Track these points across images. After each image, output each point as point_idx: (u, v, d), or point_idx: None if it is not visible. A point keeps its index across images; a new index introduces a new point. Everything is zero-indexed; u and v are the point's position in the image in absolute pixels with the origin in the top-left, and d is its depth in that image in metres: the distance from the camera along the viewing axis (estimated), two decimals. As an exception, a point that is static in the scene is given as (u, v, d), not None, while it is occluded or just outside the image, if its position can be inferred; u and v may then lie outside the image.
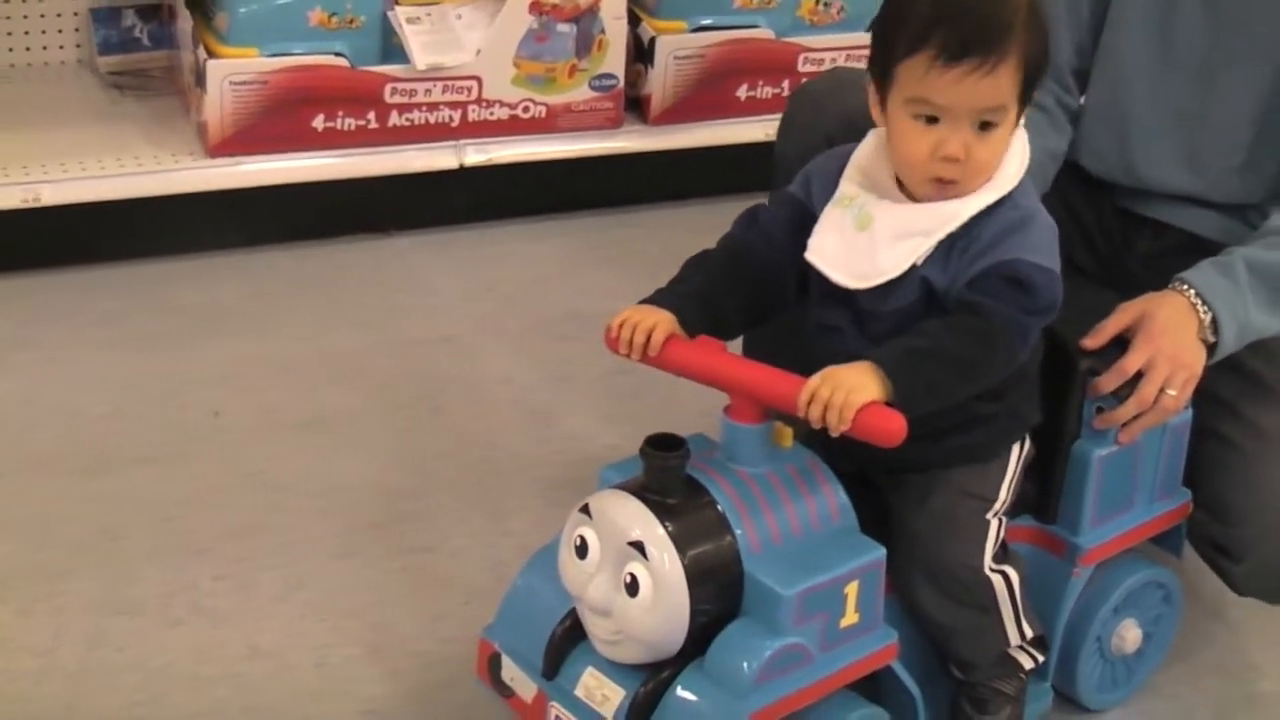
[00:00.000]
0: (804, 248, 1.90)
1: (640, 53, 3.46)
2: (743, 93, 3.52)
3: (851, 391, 1.73)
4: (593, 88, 3.40)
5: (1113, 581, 2.19)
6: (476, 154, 3.34)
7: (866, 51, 1.91)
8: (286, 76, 3.17)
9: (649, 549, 1.78)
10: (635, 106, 3.50)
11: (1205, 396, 2.20)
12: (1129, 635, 2.22)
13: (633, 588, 1.78)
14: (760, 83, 3.51)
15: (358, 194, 3.32)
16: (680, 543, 1.79)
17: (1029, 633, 2.05)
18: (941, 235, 1.84)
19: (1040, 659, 2.10)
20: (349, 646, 2.29)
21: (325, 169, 3.25)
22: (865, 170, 1.91)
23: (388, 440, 2.75)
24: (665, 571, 1.78)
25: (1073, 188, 2.36)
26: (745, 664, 1.79)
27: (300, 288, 3.21)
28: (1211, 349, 2.13)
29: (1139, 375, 2.08)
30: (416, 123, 3.29)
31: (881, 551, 1.89)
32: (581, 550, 1.83)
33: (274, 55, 3.17)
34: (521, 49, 3.32)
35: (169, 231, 3.26)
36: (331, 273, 3.27)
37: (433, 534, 2.53)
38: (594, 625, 1.85)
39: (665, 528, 1.79)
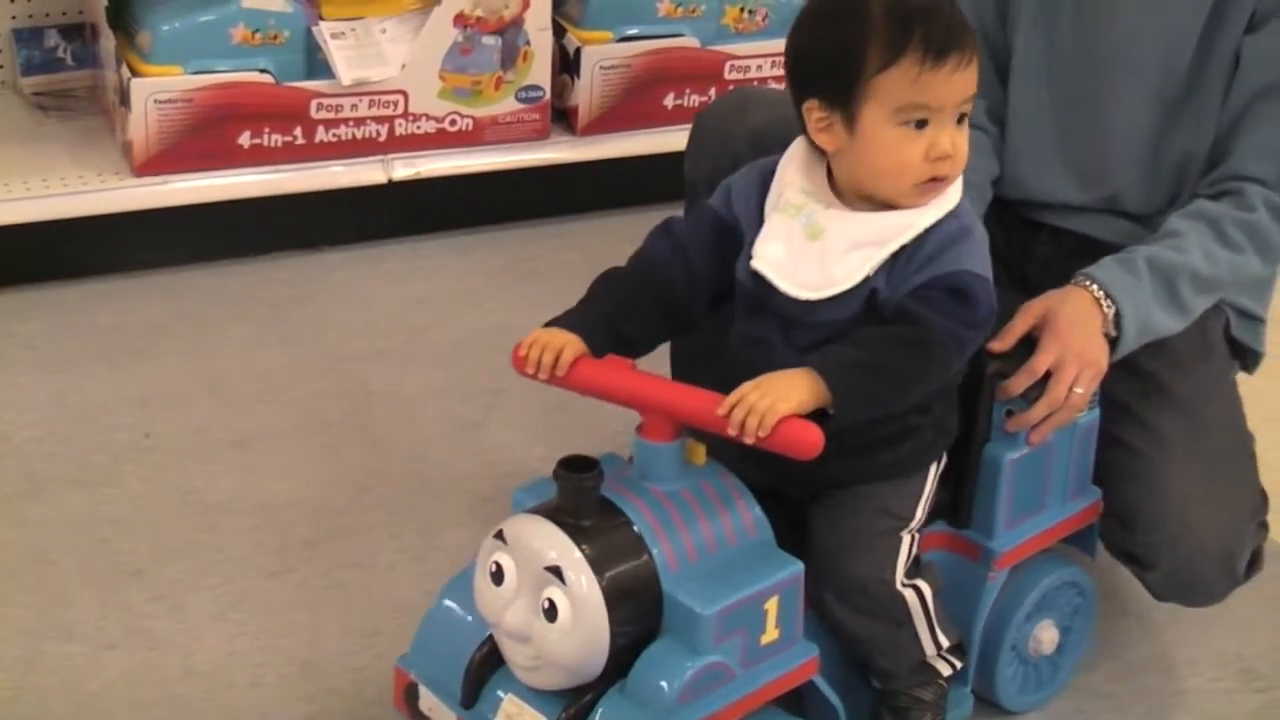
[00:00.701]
0: (721, 260, 1.91)
1: (566, 63, 3.47)
2: (670, 101, 3.52)
3: (778, 400, 1.72)
4: (519, 100, 3.40)
5: (1028, 584, 2.20)
6: (404, 168, 3.34)
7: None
8: (211, 94, 3.16)
9: (566, 573, 1.77)
10: (562, 117, 3.50)
11: (1108, 401, 2.22)
12: (1045, 636, 2.24)
13: (551, 613, 1.77)
14: (688, 91, 3.52)
15: (286, 210, 3.31)
16: (597, 565, 1.78)
17: (945, 642, 2.07)
18: (895, 246, 1.84)
19: (958, 665, 2.12)
20: (284, 665, 2.29)
21: (252, 186, 3.24)
22: (804, 181, 1.90)
23: (319, 457, 2.75)
24: (583, 595, 1.77)
25: None
26: (666, 684, 1.79)
27: (229, 306, 3.20)
28: (1114, 344, 2.14)
29: (1047, 375, 2.10)
30: (343, 138, 3.28)
31: (799, 566, 1.89)
32: (497, 577, 1.82)
33: (198, 73, 3.15)
34: (446, 62, 3.32)
35: (96, 252, 3.24)
36: (260, 290, 3.26)
37: (365, 550, 2.53)
38: (513, 652, 1.84)
39: (581, 550, 1.78)
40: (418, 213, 3.44)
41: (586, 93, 3.45)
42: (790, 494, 1.97)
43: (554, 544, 1.79)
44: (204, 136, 3.17)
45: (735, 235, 1.92)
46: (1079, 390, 2.11)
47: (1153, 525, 2.22)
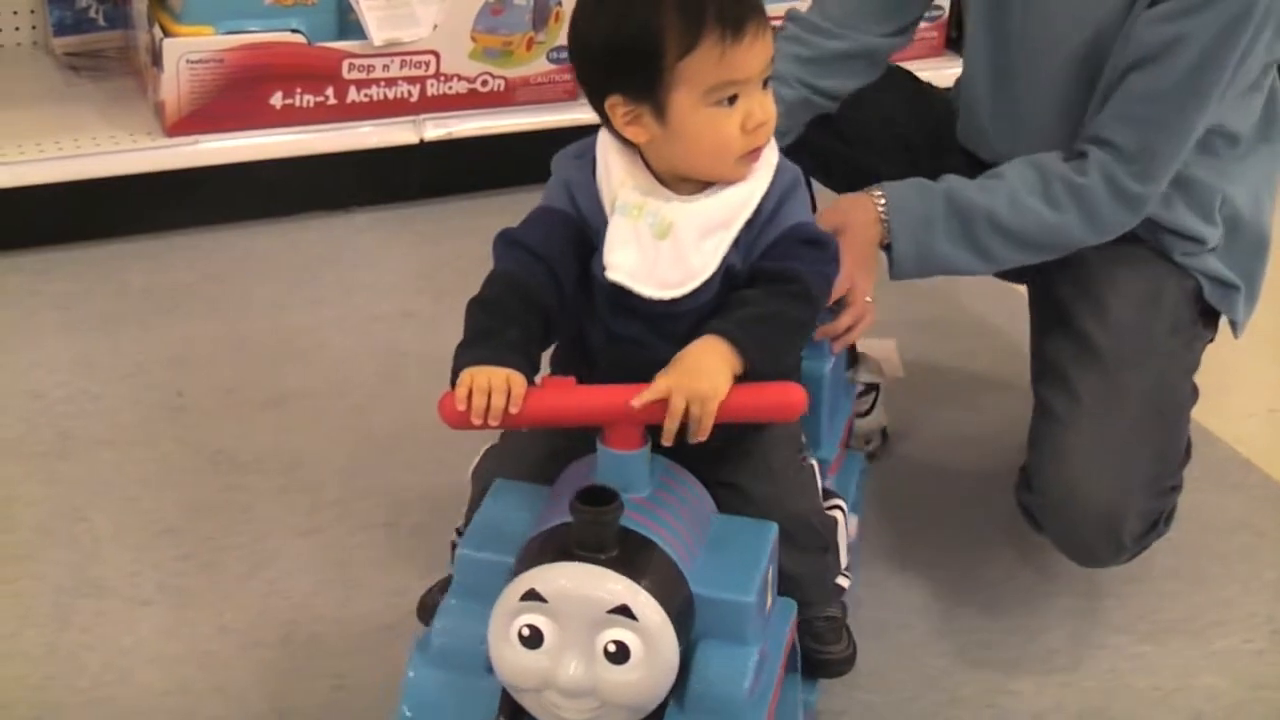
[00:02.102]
0: (578, 260, 1.83)
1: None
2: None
3: (705, 401, 1.71)
4: (550, 60, 3.39)
5: (846, 483, 2.33)
6: (436, 129, 3.34)
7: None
8: (243, 54, 3.16)
9: (637, 610, 1.66)
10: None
11: (1044, 363, 2.25)
12: (853, 527, 2.30)
13: (620, 655, 1.66)
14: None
15: (316, 171, 3.31)
16: (658, 593, 1.68)
17: (845, 558, 2.13)
18: (742, 224, 1.82)
19: (849, 577, 2.17)
20: (314, 624, 2.30)
21: (284, 146, 3.25)
22: (633, 179, 1.82)
23: (349, 417, 2.75)
24: (657, 627, 1.67)
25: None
26: (735, 684, 1.74)
27: (259, 266, 3.21)
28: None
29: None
30: (375, 98, 3.28)
31: (774, 526, 1.86)
32: (533, 640, 1.67)
33: (230, 33, 3.16)
34: (478, 23, 3.31)
35: (127, 212, 3.25)
36: (290, 251, 3.26)
37: (394, 510, 2.53)
38: (565, 709, 1.71)
39: (641, 584, 1.67)
40: (448, 174, 3.44)
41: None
42: (690, 454, 1.84)
43: (613, 585, 1.67)
44: (236, 97, 3.17)
45: (587, 234, 1.84)
46: (867, 299, 2.18)
47: (1045, 488, 2.24)
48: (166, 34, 3.13)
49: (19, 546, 2.42)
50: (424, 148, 3.34)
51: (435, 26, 3.27)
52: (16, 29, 3.52)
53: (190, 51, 3.13)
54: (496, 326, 1.76)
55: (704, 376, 1.72)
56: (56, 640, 2.26)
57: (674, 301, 1.80)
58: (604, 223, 1.81)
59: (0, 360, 2.87)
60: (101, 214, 3.22)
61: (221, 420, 2.72)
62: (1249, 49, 2.16)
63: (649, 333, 1.83)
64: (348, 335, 3.00)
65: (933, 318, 3.05)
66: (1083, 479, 2.20)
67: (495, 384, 1.70)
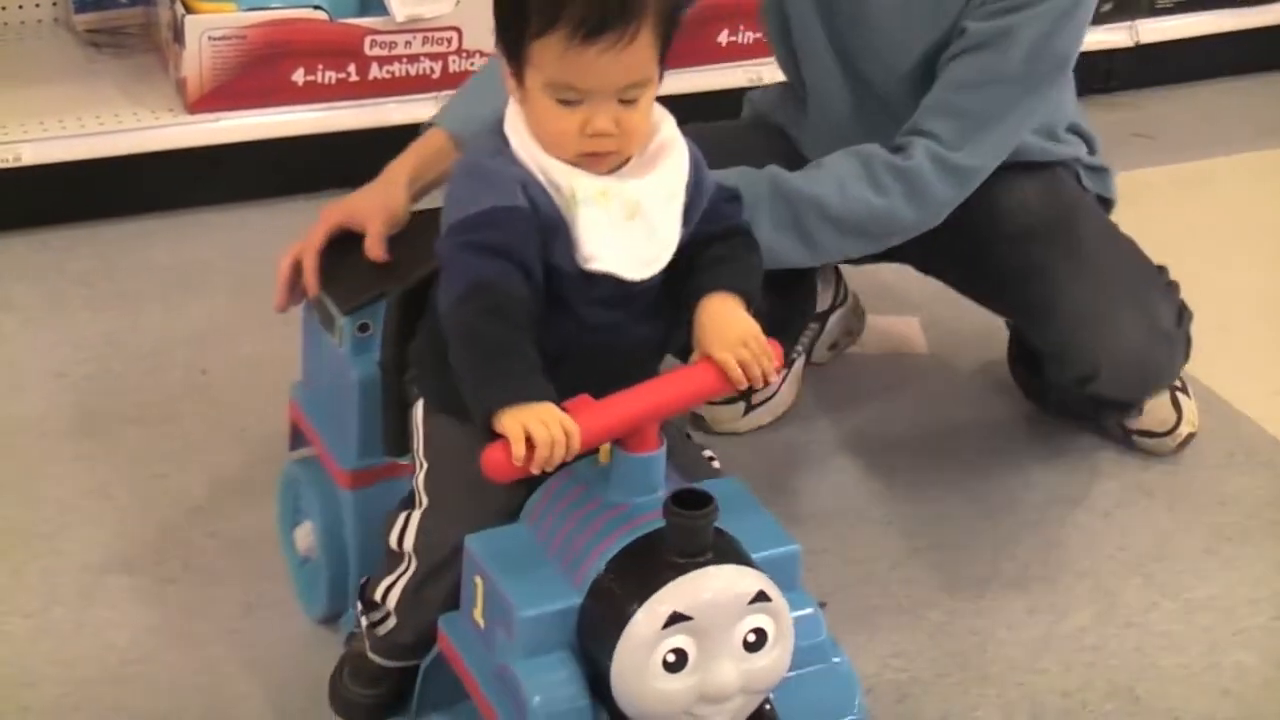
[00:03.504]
0: (543, 260, 1.74)
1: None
2: (724, 39, 3.50)
3: (755, 337, 1.74)
4: (572, 37, 3.38)
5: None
6: (457, 105, 3.33)
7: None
8: (265, 30, 3.15)
9: (769, 592, 1.66)
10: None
11: (995, 279, 2.45)
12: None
13: (759, 642, 1.65)
14: (740, 27, 3.50)
15: (338, 148, 3.30)
16: (760, 567, 1.69)
17: None
18: (684, 191, 1.80)
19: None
20: (342, 601, 2.30)
21: (306, 123, 3.24)
22: (561, 163, 1.75)
23: (375, 394, 2.75)
24: (781, 600, 1.67)
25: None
26: (821, 631, 1.79)
27: (282, 243, 3.17)
28: None
29: None
30: (397, 75, 3.27)
31: (735, 480, 1.88)
32: (678, 664, 1.63)
33: (251, 9, 3.15)
34: (500, -1, 3.30)
35: (149, 189, 3.24)
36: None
37: (423, 487, 2.52)
38: (715, 717, 1.67)
39: (754, 566, 1.68)
40: (471, 150, 3.43)
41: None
42: None
43: (746, 578, 1.65)
44: (257, 73, 3.17)
45: (552, 230, 1.75)
46: None
47: (1075, 342, 2.39)
48: (188, 10, 3.13)
49: (45, 524, 2.42)
50: (446, 124, 3.33)
51: (457, 2, 3.26)
52: (38, 5, 3.51)
53: (212, 28, 3.12)
54: (512, 347, 1.68)
55: (740, 324, 1.74)
56: (83, 618, 2.26)
57: (650, 277, 1.79)
58: (559, 218, 1.74)
59: (24, 338, 2.87)
60: (124, 191, 3.22)
61: (246, 397, 2.72)
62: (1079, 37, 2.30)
63: (623, 315, 1.81)
64: (371, 312, 2.98)
65: (955, 294, 3.04)
66: (1104, 307, 2.38)
67: (555, 435, 1.62)
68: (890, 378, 2.87)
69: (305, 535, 2.21)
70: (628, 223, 1.76)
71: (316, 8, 3.19)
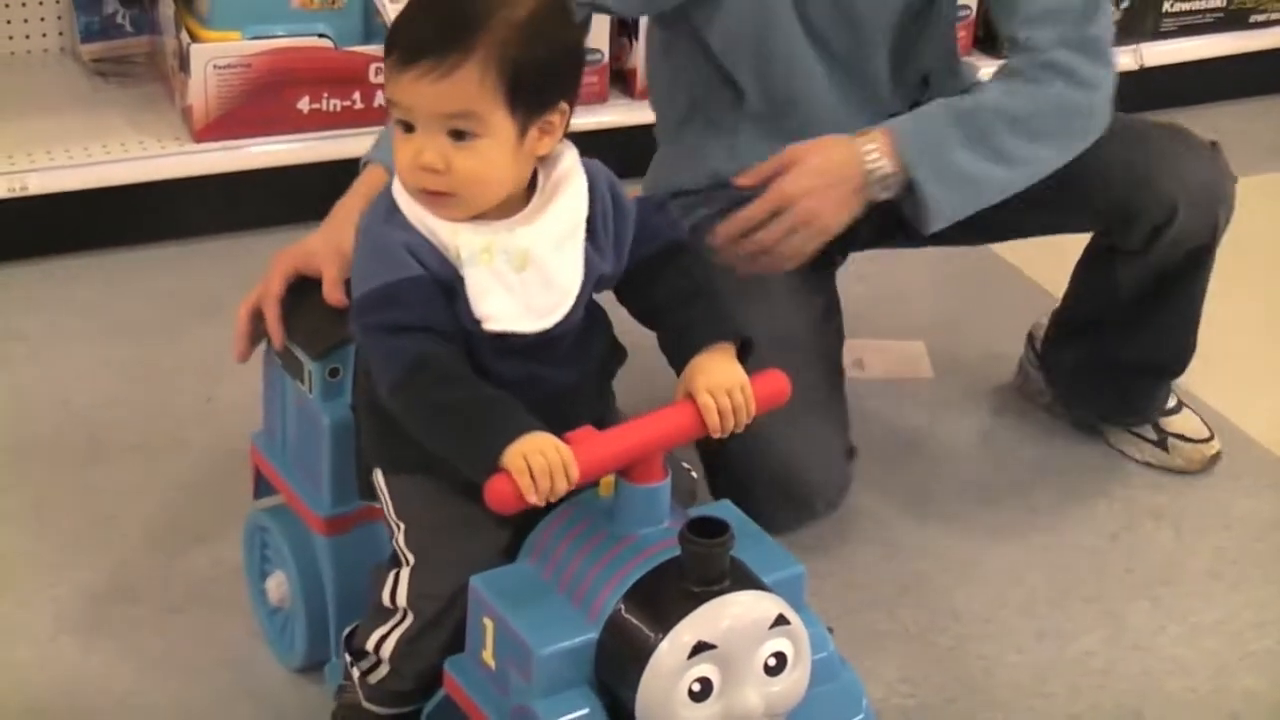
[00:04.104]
0: (454, 317, 1.74)
1: (624, 26, 3.45)
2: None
3: (743, 388, 1.74)
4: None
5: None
6: (462, 132, 3.33)
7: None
8: (270, 59, 3.16)
9: (788, 615, 1.67)
10: (621, 80, 3.50)
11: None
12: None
13: (779, 666, 1.66)
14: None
15: (346, 176, 3.27)
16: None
17: None
18: (583, 228, 1.78)
19: None
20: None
21: (311, 151, 3.24)
22: (457, 224, 1.74)
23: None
24: (800, 621, 1.69)
25: None
26: (828, 646, 1.79)
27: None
28: (912, 207, 2.21)
29: None
30: (401, 103, 3.27)
31: (727, 503, 1.89)
32: (704, 692, 1.63)
33: (257, 38, 3.16)
34: (504, 26, 3.30)
35: (155, 217, 3.25)
36: (320, 255, 3.26)
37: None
38: None
39: (770, 590, 1.69)
40: (476, 177, 3.43)
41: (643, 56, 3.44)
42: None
43: (765, 602, 1.66)
44: (263, 102, 3.17)
45: (449, 291, 1.73)
46: (785, 250, 2.17)
47: (1155, 189, 2.38)
48: (194, 39, 3.14)
49: (52, 553, 2.42)
50: (451, 151, 3.33)
51: (462, 30, 3.26)
52: (44, 35, 3.52)
53: (218, 57, 3.13)
54: (482, 400, 1.68)
55: (730, 372, 1.75)
56: (90, 647, 2.26)
57: (553, 327, 1.77)
58: (454, 276, 1.73)
59: (31, 367, 2.87)
60: (130, 220, 3.22)
61: (252, 425, 2.70)
62: None
63: (537, 365, 1.78)
64: (377, 340, 2.99)
65: (961, 318, 3.04)
66: (1172, 148, 2.44)
67: (553, 462, 1.62)
68: (895, 401, 2.87)
69: (278, 585, 2.17)
70: (518, 275, 1.73)
71: (322, 35, 3.20)
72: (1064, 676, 2.30)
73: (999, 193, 2.26)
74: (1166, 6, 3.84)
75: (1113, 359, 2.61)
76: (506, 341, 1.75)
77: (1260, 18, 3.97)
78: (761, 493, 2.18)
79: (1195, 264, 2.48)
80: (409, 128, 1.70)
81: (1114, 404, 2.71)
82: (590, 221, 1.79)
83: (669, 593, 1.66)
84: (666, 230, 1.87)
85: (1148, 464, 2.70)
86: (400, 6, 3.12)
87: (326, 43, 3.20)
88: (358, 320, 1.75)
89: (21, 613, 2.31)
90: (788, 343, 1.98)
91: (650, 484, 1.73)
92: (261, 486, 2.25)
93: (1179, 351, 2.62)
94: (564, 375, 1.80)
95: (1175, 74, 3.85)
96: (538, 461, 1.61)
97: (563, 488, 1.63)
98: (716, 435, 1.74)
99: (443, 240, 1.73)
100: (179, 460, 2.63)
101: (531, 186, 1.78)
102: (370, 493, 1.94)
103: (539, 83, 1.71)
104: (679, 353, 1.79)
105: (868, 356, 2.95)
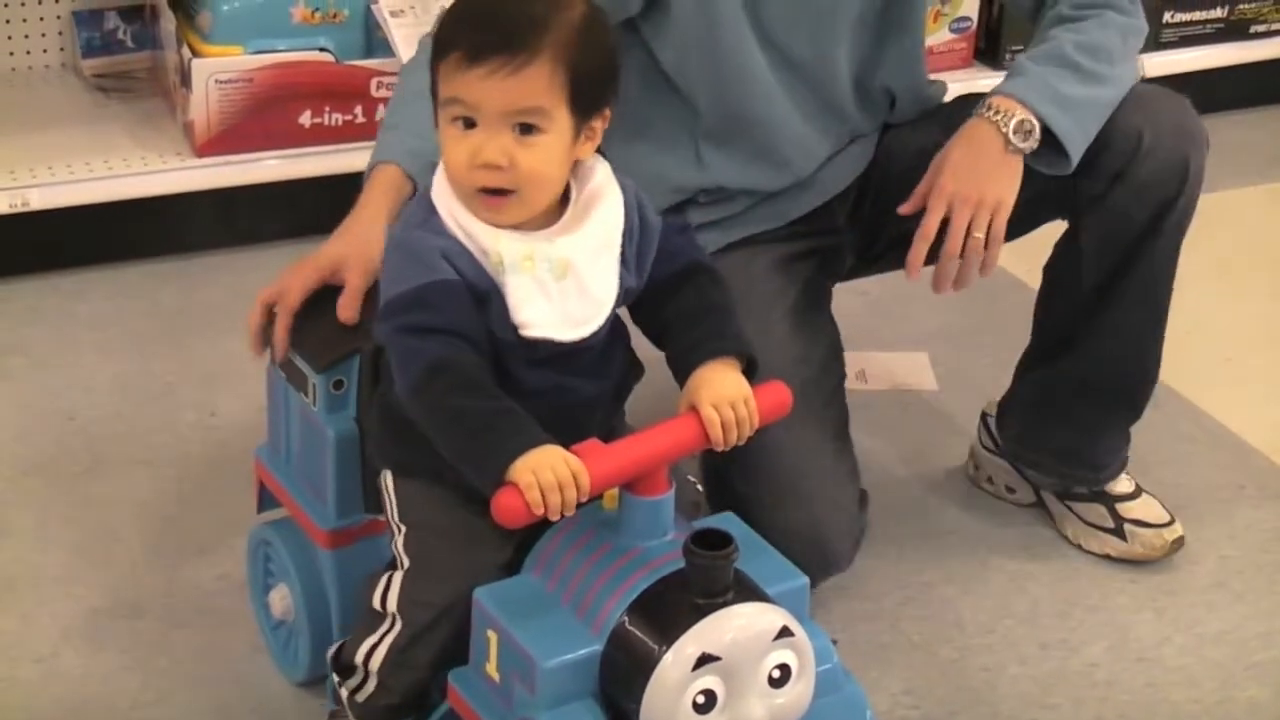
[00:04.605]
0: (485, 326, 1.75)
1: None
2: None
3: (747, 400, 1.75)
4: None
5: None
6: (464, 146, 3.33)
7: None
8: (272, 74, 3.16)
9: (792, 627, 1.66)
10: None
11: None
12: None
13: (783, 678, 1.66)
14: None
15: (347, 190, 3.27)
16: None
17: None
18: (619, 241, 1.79)
19: None
20: (352, 642, 2.29)
21: (313, 165, 3.24)
22: (498, 230, 1.75)
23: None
24: (805, 637, 1.68)
25: None
26: (832, 658, 1.78)
27: (291, 285, 3.20)
28: (1050, 139, 2.18)
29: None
30: (403, 116, 3.28)
31: (730, 515, 1.89)
32: (708, 704, 1.63)
33: (258, 53, 3.17)
34: (506, 40, 3.31)
35: (157, 232, 3.25)
36: (322, 269, 3.26)
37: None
38: None
39: (772, 601, 1.69)
40: (478, 191, 3.43)
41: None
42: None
43: (769, 614, 1.66)
44: (265, 116, 3.18)
45: (483, 297, 1.74)
46: (977, 234, 2.15)
47: (1121, 125, 2.26)
48: (195, 54, 3.14)
49: (55, 568, 2.42)
50: (453, 165, 3.34)
51: (463, 44, 3.27)
52: (45, 51, 3.52)
53: (219, 71, 3.13)
54: (496, 409, 1.68)
55: (733, 384, 1.75)
56: (94, 662, 2.26)
57: (588, 336, 1.78)
58: (490, 283, 1.74)
59: (34, 381, 2.87)
60: (132, 235, 3.22)
61: (256, 439, 2.69)
62: None
63: (563, 376, 1.79)
64: (380, 353, 2.99)
65: (965, 330, 3.04)
66: (1141, 91, 2.31)
67: (563, 476, 1.62)
68: (898, 412, 2.87)
69: (281, 599, 2.16)
70: (558, 284, 1.75)
71: (323, 50, 3.20)
72: (1068, 688, 2.29)
73: (1108, 110, 2.25)
74: (1167, 17, 3.84)
75: (1070, 388, 2.46)
76: (537, 350, 1.76)
77: (1261, 28, 3.96)
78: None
79: (1160, 231, 2.30)
80: (468, 124, 1.71)
81: (1071, 457, 2.53)
82: (626, 236, 1.81)
83: (673, 605, 1.66)
84: (689, 251, 1.88)
85: (1107, 556, 2.53)
86: (403, 20, 3.20)
87: (328, 57, 3.20)
88: (384, 323, 1.75)
89: (25, 628, 2.31)
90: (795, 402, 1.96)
91: (655, 496, 1.73)
92: (265, 500, 2.24)
93: (1141, 370, 2.44)
94: (587, 387, 1.82)
95: (1176, 84, 3.81)
96: (547, 477, 1.62)
97: (574, 501, 1.63)
98: (720, 448, 1.75)
99: (483, 246, 1.73)
100: (181, 473, 2.64)
101: (563, 200, 1.79)
102: (375, 504, 1.94)
103: (594, 84, 1.75)
104: (684, 367, 1.80)
105: (871, 368, 2.95)
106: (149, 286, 3.18)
